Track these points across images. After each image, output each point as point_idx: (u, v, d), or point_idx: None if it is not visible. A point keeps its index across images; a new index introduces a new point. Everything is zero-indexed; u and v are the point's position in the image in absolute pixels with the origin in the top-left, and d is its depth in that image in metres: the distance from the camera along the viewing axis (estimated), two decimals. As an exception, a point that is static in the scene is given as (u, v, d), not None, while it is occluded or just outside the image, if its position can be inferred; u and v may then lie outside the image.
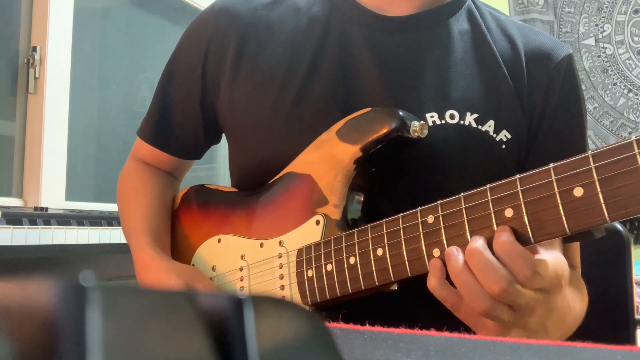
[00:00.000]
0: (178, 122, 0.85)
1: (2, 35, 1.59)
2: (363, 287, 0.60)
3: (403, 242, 0.57)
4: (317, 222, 0.67)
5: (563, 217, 0.48)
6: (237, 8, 0.78)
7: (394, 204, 0.68)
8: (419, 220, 0.56)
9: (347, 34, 0.74)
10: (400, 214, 0.58)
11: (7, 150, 1.58)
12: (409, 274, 0.57)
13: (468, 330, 0.54)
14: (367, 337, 0.36)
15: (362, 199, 0.68)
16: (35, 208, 1.50)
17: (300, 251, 0.67)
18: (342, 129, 0.68)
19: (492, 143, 0.70)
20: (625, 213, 0.45)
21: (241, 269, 0.74)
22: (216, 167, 2.36)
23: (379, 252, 0.59)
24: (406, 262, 0.57)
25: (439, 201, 0.55)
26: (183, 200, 0.86)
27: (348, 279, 0.61)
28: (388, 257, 0.58)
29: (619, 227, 1.00)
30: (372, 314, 0.53)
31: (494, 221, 0.51)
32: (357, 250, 0.61)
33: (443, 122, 0.69)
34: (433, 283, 0.53)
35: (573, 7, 2.55)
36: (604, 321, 0.66)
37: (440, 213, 0.55)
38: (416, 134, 0.64)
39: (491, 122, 0.70)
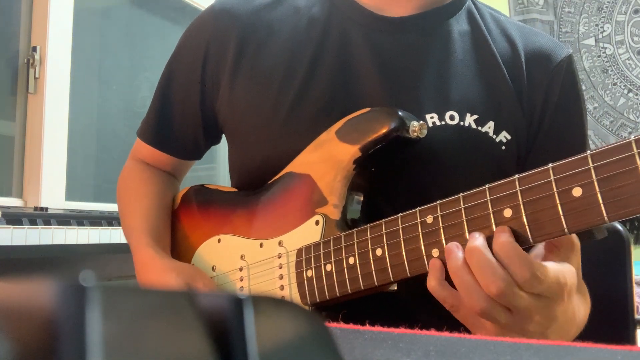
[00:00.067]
0: (178, 122, 0.85)
1: (2, 35, 1.59)
2: (362, 287, 0.60)
3: (402, 242, 0.57)
4: (317, 222, 0.67)
5: (562, 217, 0.48)
6: (236, 9, 0.78)
7: (394, 204, 0.68)
8: (418, 220, 0.56)
9: (347, 34, 0.74)
10: (400, 214, 0.58)
11: (7, 150, 1.58)
12: (408, 274, 0.57)
13: (468, 330, 0.54)
14: (367, 337, 0.36)
15: (361, 199, 0.68)
16: (35, 208, 1.50)
17: (299, 251, 0.67)
18: (342, 129, 0.68)
19: (492, 144, 0.70)
20: (624, 213, 0.45)
21: (241, 269, 0.74)
22: (216, 167, 2.36)
23: (378, 252, 0.59)
24: (405, 262, 0.57)
25: (438, 201, 0.55)
26: (183, 200, 0.86)
27: (347, 279, 0.61)
28: (387, 257, 0.58)
29: (619, 227, 1.00)
30: (372, 314, 0.53)
31: (492, 221, 0.51)
32: (356, 251, 0.61)
33: (443, 123, 0.69)
34: (433, 283, 0.53)
35: (573, 7, 2.55)
36: (604, 321, 0.66)
37: (439, 213, 0.55)
38: (415, 134, 0.64)
39: (491, 124, 0.70)
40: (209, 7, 0.82)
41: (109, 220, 1.50)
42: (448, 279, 0.53)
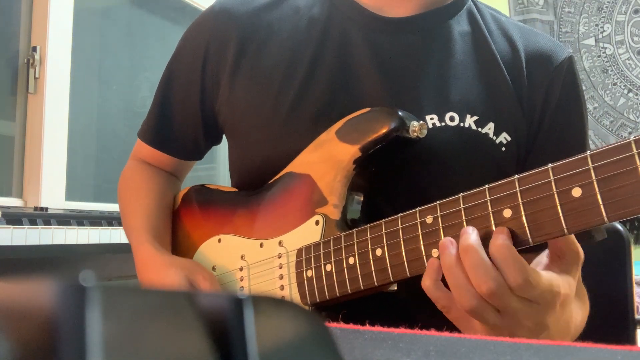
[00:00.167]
0: (178, 123, 0.85)
1: (2, 35, 1.59)
2: (362, 287, 0.60)
3: (402, 242, 0.57)
4: (317, 222, 0.67)
5: (561, 218, 0.47)
6: (236, 9, 0.78)
7: (393, 205, 0.68)
8: (418, 220, 0.56)
9: (347, 34, 0.74)
10: (399, 214, 0.58)
11: (7, 150, 1.58)
12: (408, 274, 0.57)
13: (467, 330, 0.54)
14: (367, 337, 0.36)
15: (361, 199, 0.68)
16: (35, 208, 1.50)
17: (299, 251, 0.67)
18: (342, 129, 0.68)
19: (492, 145, 0.70)
20: (624, 213, 0.45)
21: (241, 269, 0.74)
22: (216, 167, 2.36)
23: (378, 252, 0.59)
24: (405, 262, 0.57)
25: (438, 202, 0.55)
26: (183, 200, 0.86)
27: (347, 279, 0.61)
28: (387, 257, 0.58)
29: (619, 227, 1.00)
30: (372, 314, 0.53)
31: (492, 221, 0.51)
32: (356, 251, 0.61)
33: (443, 124, 0.69)
34: (427, 283, 0.53)
35: (573, 7, 2.55)
36: (604, 321, 0.66)
37: (439, 213, 0.55)
38: (415, 134, 0.64)
39: (491, 125, 0.70)
40: (209, 8, 0.82)
41: (109, 220, 1.50)
42: (443, 279, 0.53)
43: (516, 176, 0.50)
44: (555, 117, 0.72)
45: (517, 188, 0.50)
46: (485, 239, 0.51)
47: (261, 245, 0.72)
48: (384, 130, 0.64)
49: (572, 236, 0.53)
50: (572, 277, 0.55)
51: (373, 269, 0.59)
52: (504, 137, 0.70)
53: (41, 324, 0.13)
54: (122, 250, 1.42)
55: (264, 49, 0.76)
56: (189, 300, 0.16)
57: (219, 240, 0.78)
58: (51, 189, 1.58)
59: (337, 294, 0.63)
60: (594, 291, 0.67)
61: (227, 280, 0.76)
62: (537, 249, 0.53)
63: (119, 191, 0.90)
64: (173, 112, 0.85)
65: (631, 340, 0.99)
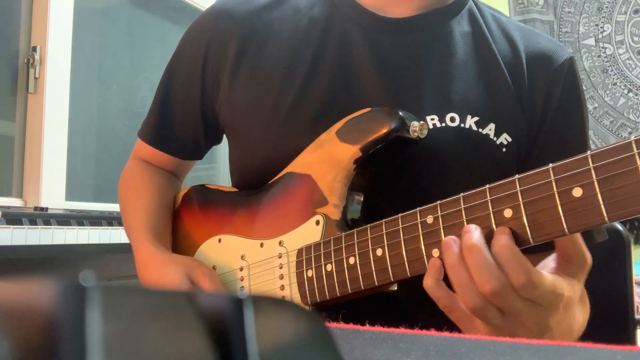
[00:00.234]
0: (178, 123, 0.85)
1: (2, 35, 1.59)
2: (363, 287, 0.60)
3: (402, 242, 0.57)
4: (317, 222, 0.67)
5: (562, 218, 0.47)
6: (236, 9, 0.78)
7: (394, 205, 0.68)
8: (419, 220, 0.56)
9: (347, 34, 0.74)
10: (400, 214, 0.58)
11: (7, 150, 1.58)
12: (409, 274, 0.57)
13: (467, 330, 0.54)
14: (367, 337, 0.36)
15: (361, 199, 0.68)
16: (35, 208, 1.50)
17: (300, 251, 0.67)
18: (342, 129, 0.68)
19: (493, 146, 0.70)
20: (625, 213, 0.45)
21: (241, 269, 0.74)
22: (216, 167, 2.36)
23: (379, 252, 0.59)
24: (405, 262, 0.57)
25: (438, 201, 0.55)
26: (184, 200, 0.86)
27: (348, 279, 0.61)
28: (387, 257, 0.58)
29: (619, 227, 1.00)
30: (372, 314, 0.53)
31: (493, 221, 0.51)
32: (356, 251, 0.61)
33: (443, 124, 0.69)
34: (429, 282, 0.53)
35: (573, 7, 2.55)
36: (604, 321, 0.66)
37: (439, 213, 0.55)
38: (416, 134, 0.64)
39: (492, 126, 0.70)
40: (209, 8, 0.82)
41: (109, 220, 1.50)
42: (445, 278, 0.53)
43: (517, 176, 0.50)
44: (556, 117, 0.72)
45: (518, 188, 0.50)
46: (487, 238, 0.51)
47: (261, 245, 0.72)
48: (384, 131, 0.64)
49: (581, 241, 0.53)
50: (578, 281, 0.55)
51: (373, 269, 0.59)
52: (505, 138, 0.70)
53: (41, 324, 0.13)
54: (122, 250, 1.42)
55: (264, 48, 0.76)
56: (189, 301, 0.16)
57: (219, 240, 0.78)
58: (51, 189, 1.58)
59: (338, 294, 0.63)
60: (594, 291, 0.67)
61: (228, 280, 0.76)
62: (539, 249, 0.53)
63: (120, 191, 0.90)
64: (173, 112, 0.85)
65: (631, 340, 0.99)
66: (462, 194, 0.54)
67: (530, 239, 0.50)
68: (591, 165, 0.46)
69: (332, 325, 0.43)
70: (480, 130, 0.70)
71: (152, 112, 0.87)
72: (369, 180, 0.68)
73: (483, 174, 0.69)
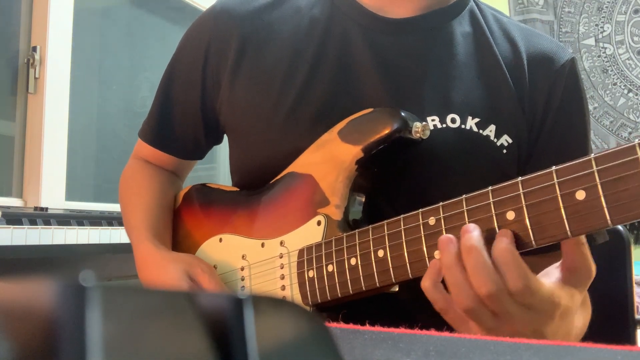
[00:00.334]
0: (179, 123, 0.85)
1: (2, 35, 1.59)
2: (364, 288, 0.60)
3: (404, 243, 0.57)
4: (319, 223, 0.67)
5: (565, 221, 0.47)
6: (237, 9, 0.78)
7: (395, 206, 0.68)
8: (421, 222, 0.56)
9: (348, 35, 0.74)
10: (402, 216, 0.58)
11: (7, 150, 1.58)
12: (410, 276, 0.57)
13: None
14: (367, 337, 0.36)
15: (363, 199, 0.68)
16: (35, 208, 1.50)
17: (301, 251, 0.67)
18: (344, 130, 0.68)
19: (493, 148, 0.70)
20: (628, 217, 0.44)
21: (242, 269, 0.74)
22: (216, 167, 2.36)
23: (380, 253, 0.59)
24: (407, 263, 0.57)
25: (441, 203, 0.55)
26: (184, 199, 0.86)
27: (349, 280, 0.61)
28: (389, 258, 0.58)
29: (619, 227, 1.00)
30: (372, 314, 0.53)
31: (495, 223, 0.51)
32: (358, 252, 0.61)
33: (444, 125, 0.69)
34: (426, 283, 0.53)
35: (573, 7, 2.55)
36: (604, 321, 0.66)
37: (441, 215, 0.55)
38: (418, 134, 0.64)
39: (492, 127, 0.70)
40: (209, 8, 0.82)
41: (109, 220, 1.50)
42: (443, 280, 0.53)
43: (520, 178, 0.50)
44: (557, 119, 0.72)
45: (521, 190, 0.50)
46: (488, 240, 0.50)
47: (262, 245, 0.72)
48: (386, 131, 0.64)
49: (588, 252, 0.52)
50: (579, 291, 0.54)
51: (375, 270, 0.59)
52: (505, 140, 0.70)
53: (41, 324, 0.13)
54: (122, 250, 1.42)
55: (265, 48, 0.76)
56: (189, 301, 0.16)
57: (220, 240, 0.78)
58: (51, 189, 1.58)
59: (339, 295, 0.62)
60: (594, 291, 0.67)
61: (228, 279, 0.76)
62: (541, 251, 0.53)
63: (120, 190, 0.90)
64: (174, 112, 0.85)
65: (631, 340, 0.99)
66: (464, 196, 0.53)
67: (533, 242, 0.49)
68: (595, 168, 0.46)
69: (332, 325, 0.43)
70: (480, 131, 0.69)
71: (153, 112, 0.87)
72: (370, 181, 0.68)
73: (483, 175, 0.68)
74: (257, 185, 0.76)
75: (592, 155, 0.46)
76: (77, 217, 1.43)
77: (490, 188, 0.52)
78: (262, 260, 0.72)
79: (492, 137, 0.70)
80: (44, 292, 0.13)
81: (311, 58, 0.74)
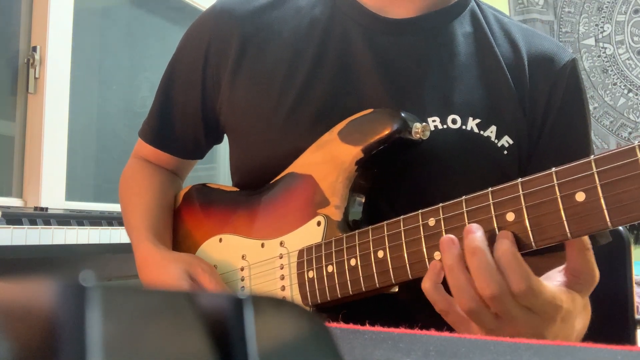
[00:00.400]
0: (179, 122, 0.85)
1: (2, 35, 1.59)
2: (364, 289, 0.60)
3: (404, 244, 0.57)
4: (318, 223, 0.67)
5: (565, 222, 0.47)
6: (238, 9, 0.78)
7: (394, 207, 0.68)
8: (420, 222, 0.56)
9: (349, 35, 0.74)
10: (402, 216, 0.58)
11: (7, 150, 1.58)
12: (410, 277, 0.57)
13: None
14: (367, 337, 0.36)
15: (363, 200, 0.68)
16: (35, 208, 1.50)
17: (301, 252, 0.67)
18: (344, 130, 0.68)
19: (494, 149, 0.70)
20: (628, 219, 0.44)
21: (242, 269, 0.74)
22: (216, 167, 2.36)
23: (380, 254, 0.59)
24: (407, 264, 0.57)
25: (440, 204, 0.55)
26: (185, 199, 0.86)
27: (349, 281, 0.61)
28: (389, 259, 0.58)
29: (619, 227, 1.00)
30: (372, 315, 0.53)
31: (495, 225, 0.51)
32: (358, 252, 0.61)
33: (445, 126, 0.69)
34: (427, 285, 0.53)
35: (573, 7, 2.55)
36: (604, 321, 0.66)
37: (441, 216, 0.54)
38: (418, 135, 0.64)
39: (493, 128, 0.70)
40: (210, 8, 0.82)
41: (109, 220, 1.50)
42: (443, 281, 0.53)
43: (519, 179, 0.50)
44: (558, 120, 0.72)
45: (521, 191, 0.50)
46: (488, 241, 0.50)
47: (262, 245, 0.72)
48: (386, 132, 0.64)
49: (592, 258, 0.52)
50: (581, 296, 0.54)
51: (375, 271, 0.59)
52: (506, 141, 0.70)
53: (41, 324, 0.13)
54: (122, 250, 1.42)
55: (265, 48, 0.76)
56: (189, 301, 0.16)
57: (220, 240, 0.78)
58: (51, 189, 1.58)
59: (339, 295, 0.62)
60: (594, 291, 0.67)
61: (228, 280, 0.76)
62: (541, 252, 0.53)
63: (120, 190, 0.90)
64: (174, 112, 0.85)
65: (631, 340, 0.99)
66: (464, 197, 0.53)
67: (533, 243, 0.49)
68: (594, 169, 0.46)
69: (332, 325, 0.43)
70: (481, 132, 0.69)
71: (153, 112, 0.87)
72: (370, 182, 0.68)
73: (484, 176, 0.68)
74: (257, 186, 0.76)
75: (592, 156, 0.46)
76: (77, 217, 1.43)
77: (490, 189, 0.52)
78: (262, 260, 0.72)
79: (492, 138, 0.70)
80: (44, 292, 0.13)
81: (311, 58, 0.74)
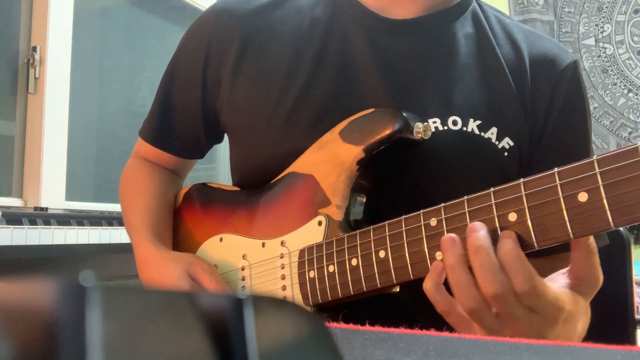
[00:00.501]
0: (179, 122, 0.85)
1: (2, 35, 1.59)
2: (365, 289, 0.60)
3: (405, 244, 0.57)
4: (320, 223, 0.67)
5: (567, 223, 0.47)
6: (238, 9, 0.78)
7: (395, 207, 0.68)
8: (422, 222, 0.56)
9: (349, 35, 0.74)
10: (403, 216, 0.58)
11: (7, 150, 1.58)
12: (411, 277, 0.56)
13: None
14: (367, 337, 0.36)
15: (364, 200, 0.68)
16: (35, 208, 1.50)
17: (302, 252, 0.67)
18: (345, 130, 0.67)
19: (494, 150, 0.70)
20: (630, 219, 0.44)
21: (243, 269, 0.74)
22: (216, 167, 2.36)
23: (381, 254, 0.59)
24: (408, 264, 0.56)
25: (442, 204, 0.55)
26: (185, 198, 0.86)
27: (350, 281, 0.61)
28: (390, 259, 0.58)
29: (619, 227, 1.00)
30: (372, 314, 0.53)
31: (497, 225, 0.51)
32: (359, 252, 0.61)
33: (445, 128, 0.69)
34: (428, 285, 0.53)
35: (573, 7, 2.55)
36: (604, 321, 0.66)
37: (443, 216, 0.54)
38: (419, 135, 0.64)
39: (494, 129, 0.70)
40: (210, 7, 0.82)
41: (109, 220, 1.50)
42: (445, 282, 0.53)
43: (522, 180, 0.50)
44: (559, 121, 0.72)
45: (523, 192, 0.50)
46: (491, 241, 0.50)
47: (263, 245, 0.72)
48: (387, 132, 0.64)
49: (597, 262, 0.52)
50: (585, 298, 0.54)
51: (376, 271, 0.59)
52: (507, 142, 0.70)
53: (41, 324, 0.13)
54: (122, 250, 1.42)
55: (266, 48, 0.76)
56: (189, 301, 0.16)
57: (221, 239, 0.78)
58: (51, 189, 1.58)
59: (340, 295, 0.62)
60: (595, 291, 0.67)
61: (229, 279, 0.76)
62: (543, 253, 0.53)
63: (120, 189, 0.90)
64: (174, 112, 0.85)
65: (631, 340, 0.99)
66: (466, 197, 0.53)
67: (535, 243, 0.49)
68: (597, 170, 0.45)
69: (332, 325, 0.43)
70: (482, 134, 0.69)
71: (153, 112, 0.87)
72: (371, 181, 0.68)
73: (484, 177, 0.68)
74: (258, 185, 0.76)
75: (595, 157, 0.46)
76: (77, 217, 1.43)
77: (492, 189, 0.52)
78: (263, 260, 0.72)
79: (493, 140, 0.70)
80: (44, 292, 0.13)
81: (312, 58, 0.74)
